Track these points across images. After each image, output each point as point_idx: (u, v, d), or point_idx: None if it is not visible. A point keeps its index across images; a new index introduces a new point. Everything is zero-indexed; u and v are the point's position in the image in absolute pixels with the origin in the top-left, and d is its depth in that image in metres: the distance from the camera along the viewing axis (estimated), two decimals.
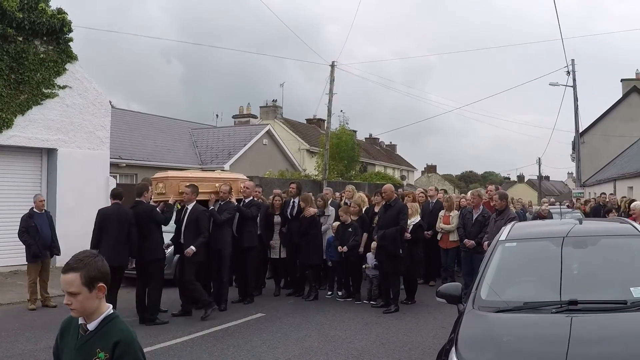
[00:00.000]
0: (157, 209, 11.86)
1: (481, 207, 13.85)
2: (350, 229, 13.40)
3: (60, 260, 17.33)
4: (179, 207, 12.64)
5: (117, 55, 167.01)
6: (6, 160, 18.51)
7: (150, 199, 12.00)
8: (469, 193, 16.78)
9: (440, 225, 15.14)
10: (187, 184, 12.21)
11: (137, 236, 11.45)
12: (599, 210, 20.14)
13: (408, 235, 12.87)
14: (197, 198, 12.30)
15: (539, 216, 18.39)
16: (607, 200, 21.79)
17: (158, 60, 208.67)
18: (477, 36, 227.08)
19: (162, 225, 11.88)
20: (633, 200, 16.70)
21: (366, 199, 15.02)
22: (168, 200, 12.08)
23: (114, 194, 11.87)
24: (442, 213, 15.27)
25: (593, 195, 35.67)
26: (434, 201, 16.16)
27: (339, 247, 13.35)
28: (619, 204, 19.51)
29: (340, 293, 14.03)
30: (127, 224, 11.37)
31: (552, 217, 17.32)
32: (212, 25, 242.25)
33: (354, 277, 13.85)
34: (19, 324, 11.50)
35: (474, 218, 13.67)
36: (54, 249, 13.42)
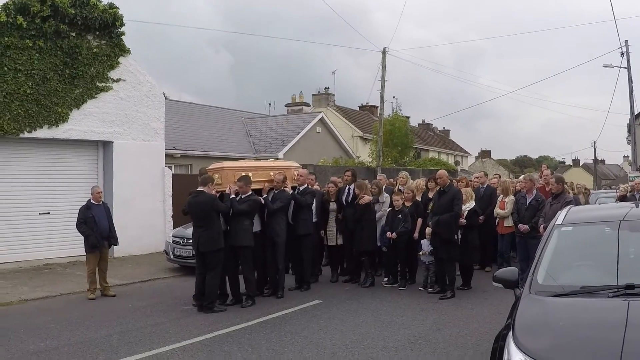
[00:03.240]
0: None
1: (534, 191, 13.72)
2: (400, 215, 13.42)
3: (119, 251, 17.78)
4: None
5: (165, 47, 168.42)
6: (63, 153, 18.89)
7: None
8: (520, 177, 16.68)
9: (496, 210, 15.07)
10: (242, 174, 12.31)
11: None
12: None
13: (463, 221, 12.86)
14: (252, 187, 12.41)
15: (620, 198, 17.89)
16: None
17: (206, 50, 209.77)
18: (528, 19, 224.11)
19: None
20: None
21: (423, 185, 15.01)
22: (225, 191, 12.19)
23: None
24: (500, 198, 15.19)
25: None
26: (485, 186, 16.09)
27: (388, 234, 13.41)
28: None
29: (386, 279, 14.09)
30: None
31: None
32: (257, 13, 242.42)
33: (403, 264, 13.87)
34: (79, 313, 11.69)
35: (527, 202, 13.53)
36: (112, 239, 13.61)
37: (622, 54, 36.31)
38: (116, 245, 14.05)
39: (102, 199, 13.99)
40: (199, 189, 11.73)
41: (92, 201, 13.47)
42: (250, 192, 12.13)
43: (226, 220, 12.03)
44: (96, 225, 13.19)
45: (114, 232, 13.67)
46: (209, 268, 11.53)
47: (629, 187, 18.30)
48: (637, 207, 7.34)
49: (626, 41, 36.50)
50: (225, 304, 11.95)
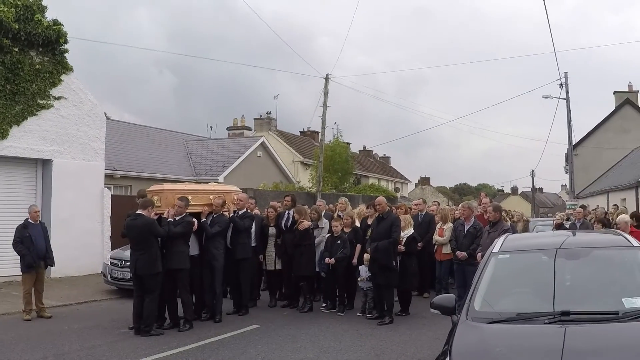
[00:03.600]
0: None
1: (472, 219, 13.91)
2: (339, 241, 13.45)
3: (55, 271, 17.50)
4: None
5: (108, 65, 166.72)
6: (1, 170, 18.54)
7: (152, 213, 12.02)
8: (459, 205, 16.86)
9: (434, 237, 15.19)
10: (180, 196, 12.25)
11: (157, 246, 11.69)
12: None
13: (402, 247, 12.91)
14: (192, 210, 12.38)
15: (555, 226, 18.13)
16: (591, 212, 21.53)
17: (150, 70, 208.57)
18: (470, 49, 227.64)
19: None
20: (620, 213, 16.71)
21: (365, 212, 15.10)
22: (163, 214, 12.11)
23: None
24: (439, 225, 15.31)
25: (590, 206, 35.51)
26: (424, 213, 16.21)
27: (327, 259, 13.42)
28: (605, 215, 19.16)
29: (324, 305, 14.07)
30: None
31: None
32: (202, 35, 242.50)
33: (342, 289, 13.89)
34: (14, 334, 11.51)
35: (465, 230, 13.72)
36: (48, 260, 13.40)
37: (561, 85, 37.17)
38: (52, 265, 13.83)
39: (40, 218, 13.80)
40: (138, 211, 11.62)
41: (29, 220, 13.28)
42: (185, 214, 12.06)
43: (162, 243, 11.95)
44: (32, 245, 12.99)
45: (51, 253, 13.46)
46: (147, 291, 11.42)
47: (565, 216, 18.53)
48: (573, 235, 7.45)
49: (565, 73, 37.44)
50: (163, 328, 11.83)
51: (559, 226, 17.41)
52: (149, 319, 11.38)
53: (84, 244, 19.47)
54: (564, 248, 6.63)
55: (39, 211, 13.82)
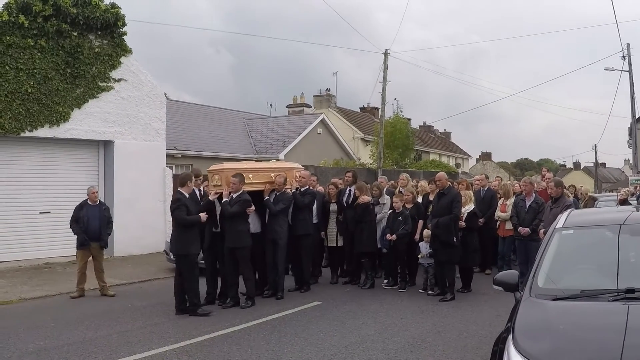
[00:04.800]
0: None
1: (533, 194, 13.77)
2: (400, 217, 13.42)
3: (119, 250, 17.85)
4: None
5: (166, 46, 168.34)
6: (64, 153, 18.99)
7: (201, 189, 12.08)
8: (521, 181, 16.68)
9: (497, 213, 15.08)
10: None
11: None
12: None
13: (463, 223, 12.85)
14: (254, 189, 12.45)
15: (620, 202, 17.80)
16: None
17: (206, 50, 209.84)
18: (529, 21, 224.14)
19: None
20: None
21: (427, 187, 15.03)
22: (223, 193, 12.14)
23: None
24: (501, 201, 15.20)
25: None
26: (486, 189, 16.09)
27: (388, 235, 13.41)
28: None
29: (386, 281, 14.08)
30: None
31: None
32: (256, 13, 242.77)
33: (403, 266, 13.88)
34: (78, 313, 11.71)
35: (527, 205, 13.58)
36: (101, 242, 13.56)
37: (623, 57, 36.48)
38: (104, 247, 13.87)
39: (100, 199, 14.01)
40: (178, 189, 11.72)
41: (87, 201, 13.48)
42: (242, 192, 12.03)
43: (221, 222, 12.10)
44: (86, 225, 13.19)
45: (105, 235, 13.58)
46: (181, 272, 11.55)
47: (630, 191, 18.22)
48: (637, 210, 7.33)
49: (628, 44, 36.71)
50: (225, 305, 11.95)
51: (623, 202, 17.14)
52: (190, 298, 11.38)
53: (146, 223, 19.75)
54: (628, 224, 6.49)
55: (96, 192, 13.93)
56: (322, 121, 39.88)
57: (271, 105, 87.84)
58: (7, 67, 16.84)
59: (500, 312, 10.04)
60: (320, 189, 15.35)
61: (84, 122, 18.83)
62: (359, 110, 58.26)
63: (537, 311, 5.35)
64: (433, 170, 37.81)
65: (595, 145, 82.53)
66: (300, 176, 13.67)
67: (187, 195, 11.50)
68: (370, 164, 38.01)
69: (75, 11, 18.28)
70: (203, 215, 11.42)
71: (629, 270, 5.85)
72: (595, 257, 6.42)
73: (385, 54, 34.28)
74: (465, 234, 12.93)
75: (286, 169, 13.59)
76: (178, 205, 11.28)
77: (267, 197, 12.74)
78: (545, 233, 8.53)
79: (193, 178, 12.07)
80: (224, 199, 11.93)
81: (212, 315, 11.16)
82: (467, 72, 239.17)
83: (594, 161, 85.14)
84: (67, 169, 18.95)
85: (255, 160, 26.03)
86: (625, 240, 6.21)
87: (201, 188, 13.01)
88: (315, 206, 14.16)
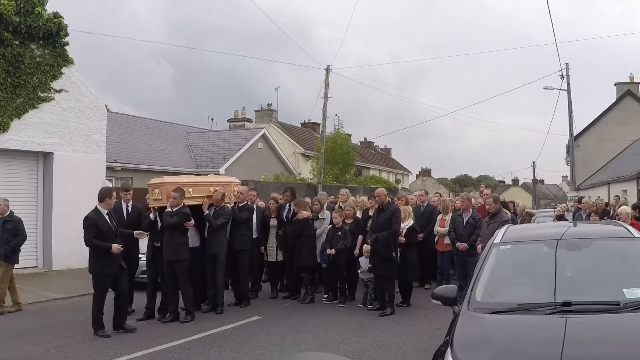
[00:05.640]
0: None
1: (471, 210, 13.96)
2: (340, 232, 13.46)
3: (57, 264, 17.57)
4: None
5: (107, 57, 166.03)
6: (3, 164, 18.58)
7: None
8: (458, 197, 16.88)
9: (436, 228, 15.22)
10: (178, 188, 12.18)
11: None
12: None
13: (402, 238, 12.93)
14: (194, 203, 12.42)
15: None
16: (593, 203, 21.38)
17: (148, 62, 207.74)
18: (471, 40, 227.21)
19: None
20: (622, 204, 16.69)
21: (366, 203, 15.10)
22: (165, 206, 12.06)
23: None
24: (440, 216, 15.35)
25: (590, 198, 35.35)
26: (425, 204, 16.25)
27: (327, 250, 13.44)
28: (606, 207, 19.07)
29: (326, 296, 14.10)
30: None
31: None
32: (201, 26, 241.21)
33: (343, 280, 13.91)
34: (15, 328, 11.53)
35: (464, 221, 13.77)
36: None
37: (562, 76, 37.25)
38: (9, 262, 13.27)
39: (8, 212, 13.49)
40: (96, 205, 11.45)
41: None
42: (182, 205, 11.96)
43: (160, 234, 12.05)
44: None
45: (7, 248, 13.06)
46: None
47: (567, 207, 18.53)
48: (574, 226, 7.47)
49: (566, 64, 37.50)
50: (164, 320, 11.84)
51: (560, 217, 17.44)
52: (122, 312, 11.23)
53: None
54: (565, 239, 6.63)
55: (2, 204, 13.47)
56: (263, 136, 39.87)
57: (212, 119, 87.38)
58: None
59: (439, 326, 10.11)
60: (260, 203, 15.32)
61: (24, 132, 18.49)
62: (300, 126, 58.42)
63: (475, 325, 5.40)
64: (373, 185, 38.03)
65: (534, 162, 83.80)
66: (238, 191, 13.65)
67: (106, 212, 11.30)
68: (311, 179, 38.05)
69: (17, 20, 17.98)
70: (115, 247, 11.09)
71: (566, 284, 5.95)
72: (532, 271, 6.52)
73: (327, 69, 34.40)
74: (405, 249, 13.00)
75: (224, 184, 13.57)
76: (87, 225, 11.12)
77: (207, 212, 12.69)
78: (482, 248, 8.64)
79: (114, 194, 11.71)
80: (167, 209, 11.89)
81: (135, 332, 10.98)
82: (409, 89, 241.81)
83: (532, 178, 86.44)
84: (5, 181, 18.47)
85: (196, 174, 25.87)
86: (562, 255, 6.33)
87: (129, 204, 12.90)
88: (255, 221, 14.17)
